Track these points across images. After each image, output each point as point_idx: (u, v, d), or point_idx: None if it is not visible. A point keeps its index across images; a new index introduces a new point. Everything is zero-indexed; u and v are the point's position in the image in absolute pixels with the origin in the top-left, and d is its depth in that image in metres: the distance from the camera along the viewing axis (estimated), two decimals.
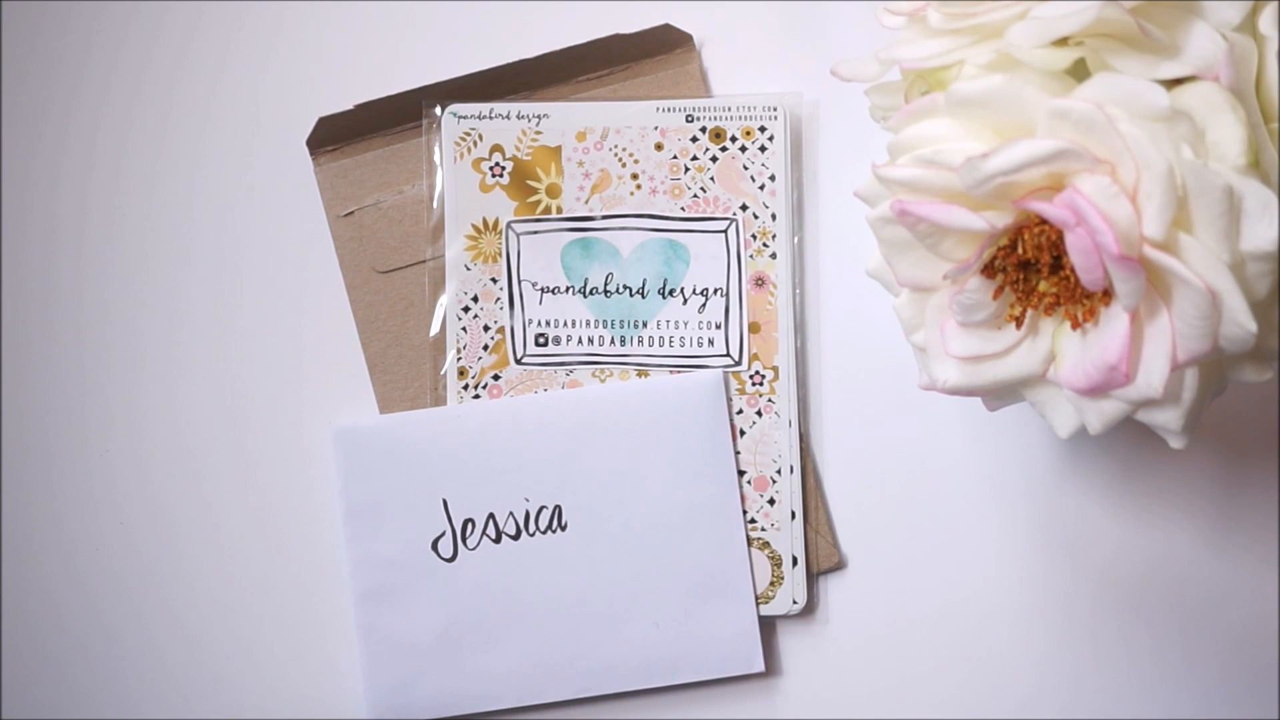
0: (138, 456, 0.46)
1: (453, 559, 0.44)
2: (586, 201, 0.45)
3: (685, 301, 0.45)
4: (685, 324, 0.45)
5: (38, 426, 0.47)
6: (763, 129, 0.45)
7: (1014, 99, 0.30)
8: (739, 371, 0.45)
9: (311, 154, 0.46)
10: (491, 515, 0.44)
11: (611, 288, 0.45)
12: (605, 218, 0.45)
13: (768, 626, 0.45)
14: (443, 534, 0.44)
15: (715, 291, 0.45)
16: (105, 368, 0.47)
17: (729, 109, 0.45)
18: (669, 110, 0.45)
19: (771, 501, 0.44)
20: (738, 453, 0.44)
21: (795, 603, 0.44)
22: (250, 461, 0.46)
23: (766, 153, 0.45)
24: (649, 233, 0.45)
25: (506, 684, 0.44)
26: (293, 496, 0.46)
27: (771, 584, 0.44)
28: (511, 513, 0.44)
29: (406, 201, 0.46)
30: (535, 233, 0.45)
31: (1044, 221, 0.31)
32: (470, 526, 0.44)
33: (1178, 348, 0.30)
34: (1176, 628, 0.44)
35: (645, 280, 0.45)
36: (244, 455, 0.46)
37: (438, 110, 0.46)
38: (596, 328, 0.45)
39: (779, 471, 0.44)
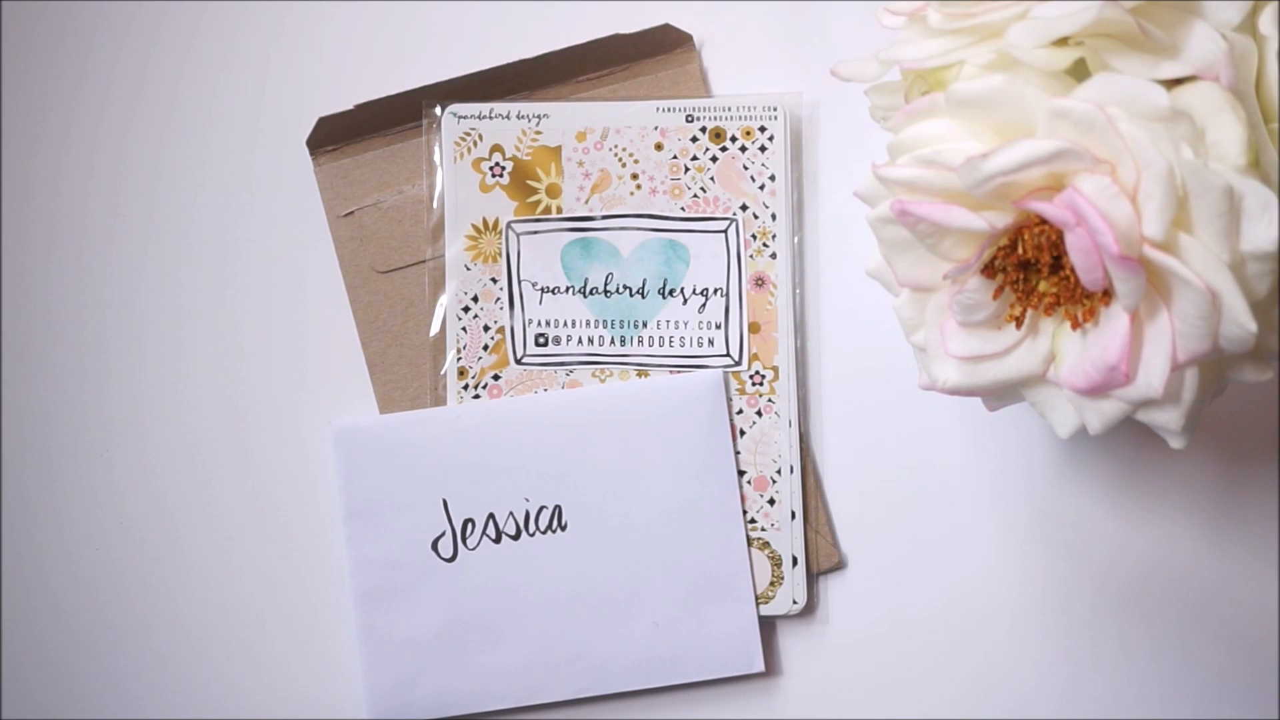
0: (138, 456, 0.46)
1: (453, 559, 0.44)
2: (586, 201, 0.45)
3: (685, 301, 0.45)
4: (685, 324, 0.45)
5: (38, 426, 0.47)
6: (763, 129, 0.45)
7: (1014, 99, 0.30)
8: (739, 371, 0.45)
9: (311, 154, 0.46)
10: (491, 515, 0.44)
11: (611, 288, 0.45)
12: (605, 218, 0.45)
13: (768, 626, 0.45)
14: (443, 534, 0.44)
15: (715, 291, 0.45)
16: (105, 368, 0.47)
17: (729, 109, 0.45)
18: (669, 110, 0.45)
19: (771, 501, 0.44)
20: (738, 453, 0.44)
21: (795, 603, 0.44)
22: (250, 461, 0.46)
23: (766, 153, 0.45)
24: (649, 233, 0.45)
25: (506, 684, 0.44)
26: (293, 496, 0.46)
27: (771, 584, 0.44)
28: (511, 513, 0.44)
29: (406, 201, 0.46)
30: (535, 233, 0.45)
31: (1044, 221, 0.31)
32: (470, 526, 0.44)
33: (1178, 348, 0.30)
34: (1176, 627, 0.44)
35: (645, 280, 0.45)
36: (244, 455, 0.46)
37: (438, 110, 0.46)
38: (596, 328, 0.45)
39: (779, 471, 0.44)
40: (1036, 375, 0.34)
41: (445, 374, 0.45)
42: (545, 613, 0.44)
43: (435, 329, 0.45)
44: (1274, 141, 0.30)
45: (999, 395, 0.35)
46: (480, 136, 0.45)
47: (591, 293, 0.45)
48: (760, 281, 0.45)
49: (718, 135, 0.45)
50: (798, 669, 0.45)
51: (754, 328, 0.45)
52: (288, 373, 0.46)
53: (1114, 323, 0.31)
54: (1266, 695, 0.44)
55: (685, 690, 0.44)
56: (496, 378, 0.45)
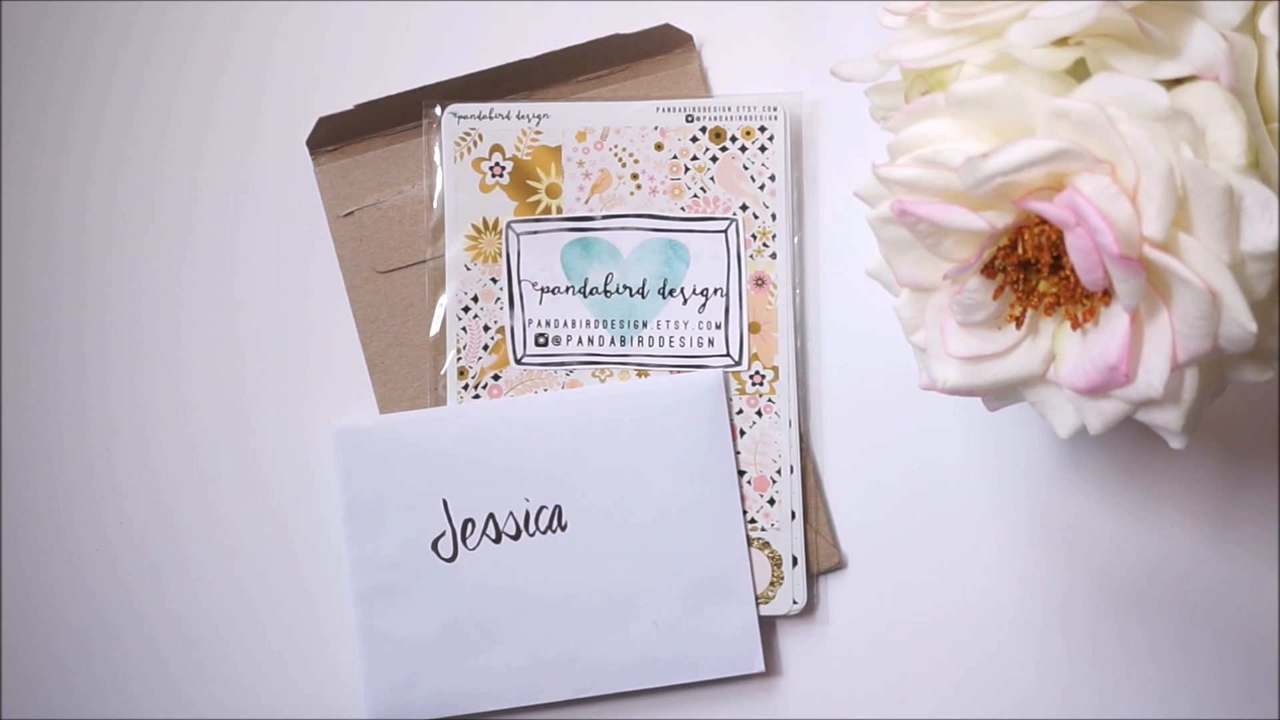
0: (138, 456, 0.46)
1: (453, 559, 0.44)
2: (586, 201, 0.45)
3: (685, 301, 0.45)
4: (685, 324, 0.45)
5: (38, 426, 0.47)
6: (763, 129, 0.45)
7: (1014, 99, 0.30)
8: (739, 371, 0.45)
9: (311, 154, 0.46)
10: (491, 515, 0.44)
11: (611, 288, 0.45)
12: (605, 218, 0.45)
13: (768, 626, 0.45)
14: (443, 534, 0.44)
15: (715, 291, 0.45)
16: (105, 368, 0.47)
17: (729, 109, 0.45)
18: (669, 110, 0.45)
19: (771, 501, 0.44)
20: (738, 453, 0.44)
21: (795, 603, 0.44)
22: (250, 461, 0.46)
23: (766, 153, 0.45)
24: (649, 233, 0.45)
25: (506, 683, 0.44)
26: (293, 496, 0.46)
27: (771, 584, 0.44)
28: (511, 513, 0.44)
29: (406, 201, 0.46)
30: (535, 233, 0.45)
31: (1044, 221, 0.31)
32: (470, 526, 0.44)
33: (1178, 348, 0.30)
34: (1176, 627, 0.44)
35: (645, 280, 0.45)
36: (244, 455, 0.46)
37: (438, 110, 0.46)
38: (596, 328, 0.45)
39: (779, 471, 0.44)
40: (1036, 375, 0.34)
41: (445, 374, 0.45)
42: (545, 613, 0.44)
43: (435, 329, 0.45)
44: (1274, 141, 0.30)
45: (999, 395, 0.35)
46: (480, 136, 0.45)
47: (591, 293, 0.45)
48: (760, 281, 0.45)
49: (718, 135, 0.45)
50: (798, 669, 0.45)
51: (754, 328, 0.45)
52: (288, 373, 0.46)
53: (1114, 323, 0.31)
54: (1266, 695, 0.44)
55: (685, 690, 0.44)
56: (496, 378, 0.45)
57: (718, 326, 0.45)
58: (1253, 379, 0.32)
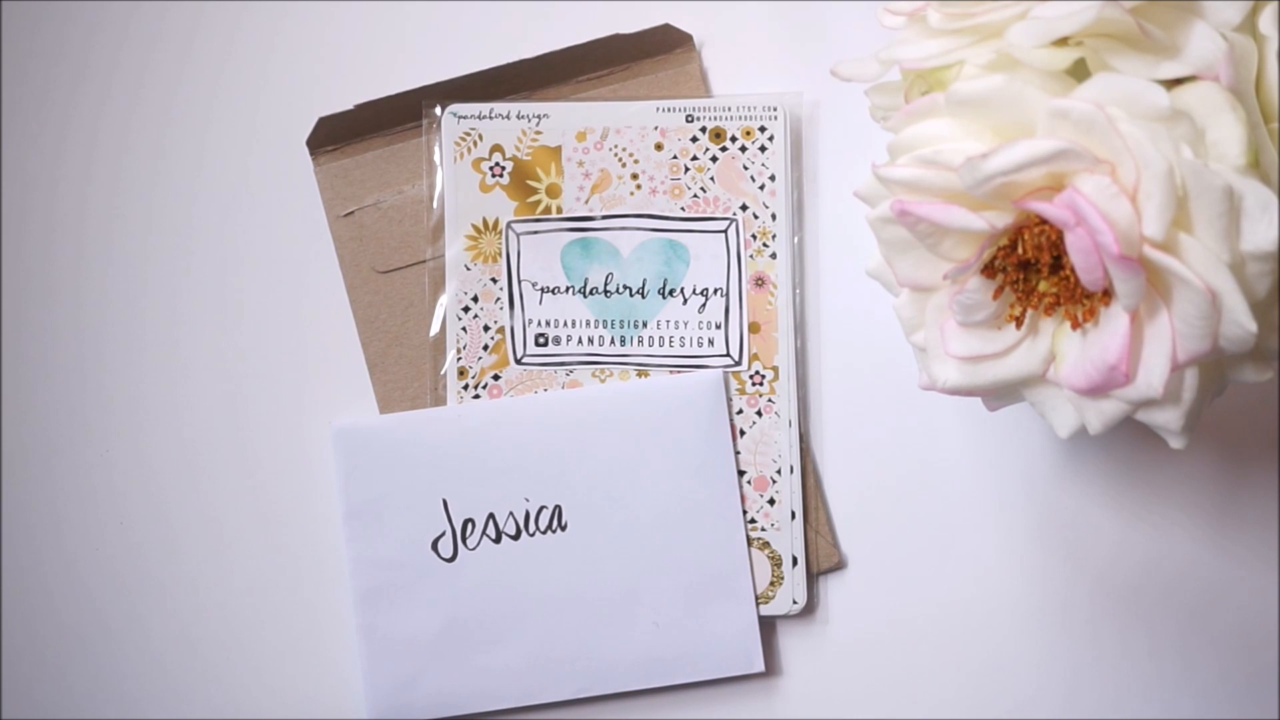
0: (138, 456, 0.46)
1: (453, 559, 0.44)
2: (586, 201, 0.45)
3: (685, 301, 0.45)
4: (685, 324, 0.45)
5: (38, 426, 0.47)
6: (763, 129, 0.45)
7: (1014, 99, 0.30)
8: (739, 371, 0.45)
9: (311, 154, 0.46)
10: (491, 515, 0.44)
11: (611, 288, 0.45)
12: (605, 218, 0.45)
13: (768, 626, 0.45)
14: (443, 534, 0.44)
15: (715, 291, 0.45)
16: (105, 368, 0.47)
17: (729, 109, 0.45)
18: (669, 110, 0.45)
19: (771, 501, 0.44)
20: (738, 453, 0.44)
21: (795, 603, 0.44)
22: (250, 461, 0.46)
23: (766, 153, 0.45)
24: (649, 233, 0.45)
25: (507, 684, 0.44)
26: (293, 496, 0.46)
27: (771, 584, 0.44)
28: (511, 513, 0.44)
29: (406, 201, 0.46)
30: (535, 233, 0.45)
31: (1044, 221, 0.31)
32: (470, 526, 0.44)
33: (1178, 348, 0.30)
34: (1176, 627, 0.44)
35: (645, 280, 0.45)
36: (244, 455, 0.46)
37: (438, 110, 0.46)
38: (596, 328, 0.45)
39: (779, 471, 0.44)
40: (1036, 375, 0.34)
41: (445, 374, 0.45)
42: (545, 613, 0.44)
43: (435, 329, 0.45)
44: (1274, 141, 0.30)
45: (999, 395, 0.35)
46: (480, 136, 0.45)
47: (591, 293, 0.45)
48: (760, 281, 0.45)
49: (718, 135, 0.45)
50: (798, 669, 0.45)
51: (754, 328, 0.45)
52: (288, 373, 0.46)
53: (1114, 323, 0.31)
54: (1266, 695, 0.44)
55: (685, 690, 0.44)
56: (496, 378, 0.45)
57: (718, 326, 0.45)
58: (1253, 379, 0.32)
